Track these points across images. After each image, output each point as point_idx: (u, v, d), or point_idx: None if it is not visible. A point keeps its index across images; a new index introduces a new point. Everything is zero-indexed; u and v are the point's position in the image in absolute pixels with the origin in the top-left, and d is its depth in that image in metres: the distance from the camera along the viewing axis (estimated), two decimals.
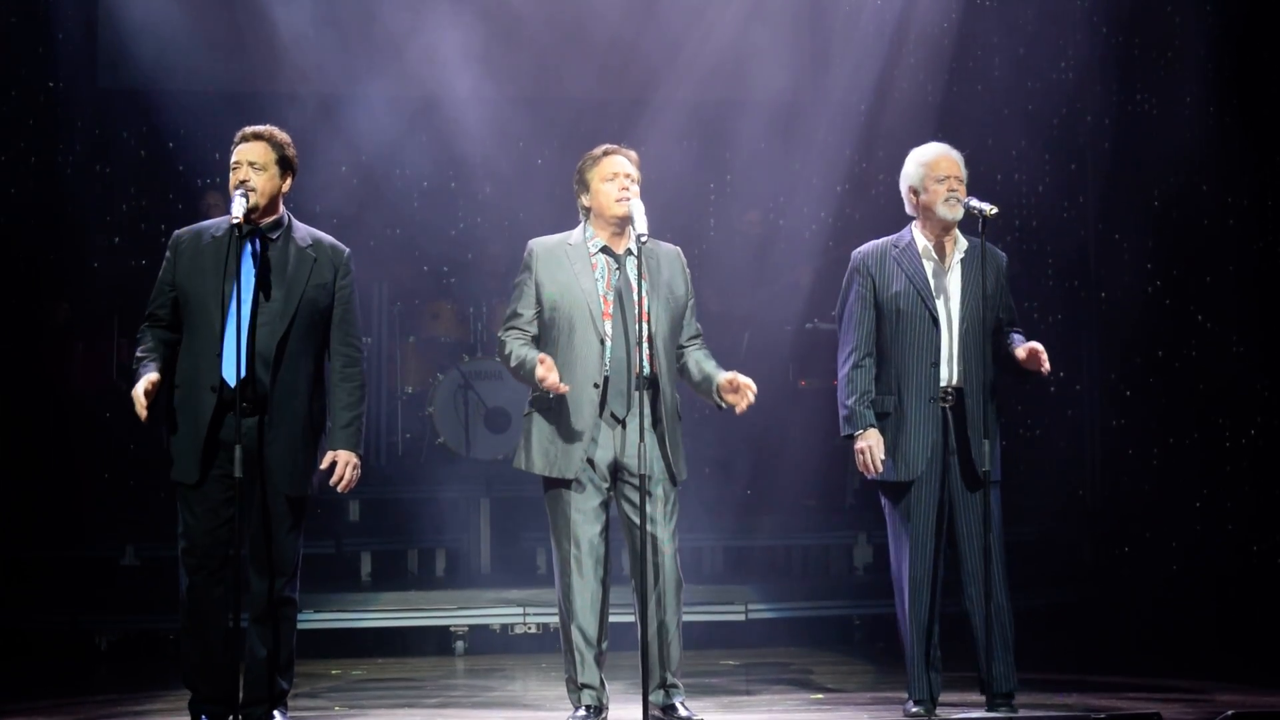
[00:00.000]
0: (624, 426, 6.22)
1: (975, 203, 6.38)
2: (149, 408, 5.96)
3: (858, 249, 6.64)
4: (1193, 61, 10.31)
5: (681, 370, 6.42)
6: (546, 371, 6.08)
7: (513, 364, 6.26)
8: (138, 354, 6.15)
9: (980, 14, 11.03)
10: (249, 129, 6.21)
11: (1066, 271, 11.11)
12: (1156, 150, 10.38)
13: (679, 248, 6.51)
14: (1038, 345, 6.46)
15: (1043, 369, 6.45)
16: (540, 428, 6.28)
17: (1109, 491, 10.88)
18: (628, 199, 6.24)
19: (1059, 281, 10.99)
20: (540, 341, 6.31)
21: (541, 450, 6.27)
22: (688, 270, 6.48)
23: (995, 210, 6.33)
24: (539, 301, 6.31)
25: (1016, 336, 6.60)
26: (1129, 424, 10.69)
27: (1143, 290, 10.53)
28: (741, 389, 6.20)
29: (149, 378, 5.98)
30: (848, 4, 11.06)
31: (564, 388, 6.10)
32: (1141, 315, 10.52)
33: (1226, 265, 10.30)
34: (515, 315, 6.34)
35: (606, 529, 6.30)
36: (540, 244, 6.41)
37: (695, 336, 6.46)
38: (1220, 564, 9.86)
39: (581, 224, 6.40)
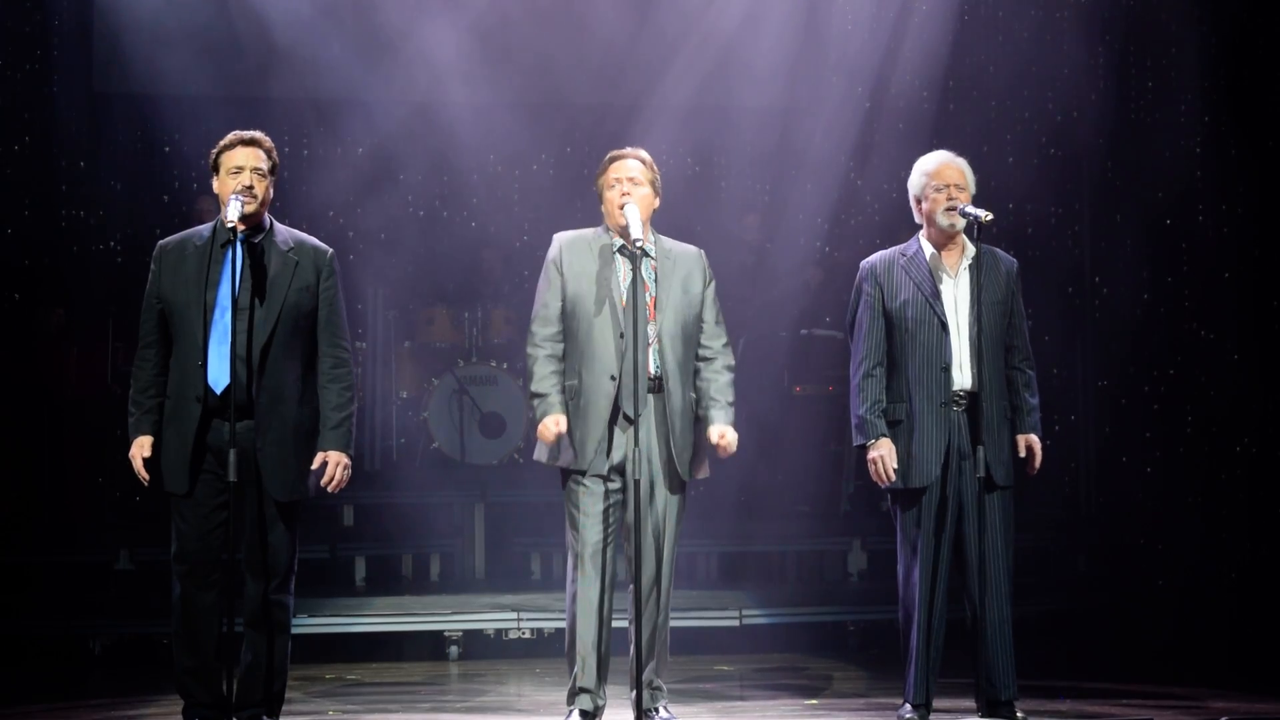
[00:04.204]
0: (635, 427, 6.22)
1: (970, 209, 6.39)
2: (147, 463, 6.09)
3: (865, 259, 6.64)
4: (1188, 70, 10.33)
5: (696, 376, 6.42)
6: (545, 431, 6.23)
7: (531, 387, 6.32)
8: (133, 396, 6.16)
9: (976, 23, 11.04)
10: (244, 134, 6.20)
11: (1062, 279, 11.12)
12: (1152, 159, 10.40)
13: (702, 250, 6.51)
14: (1036, 447, 6.53)
15: (1030, 470, 6.57)
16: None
17: (1104, 499, 10.89)
18: (625, 206, 6.27)
19: (1054, 289, 11.00)
20: (564, 333, 6.33)
21: (561, 442, 6.29)
22: (709, 270, 6.47)
23: (990, 216, 6.34)
24: (563, 293, 6.33)
25: (1029, 401, 6.57)
26: (1124, 432, 10.70)
27: (1138, 298, 10.54)
28: (721, 450, 6.33)
29: (142, 443, 6.08)
30: (844, 11, 11.07)
31: (551, 440, 6.24)
32: (1137, 323, 10.53)
33: (1222, 273, 10.31)
34: (545, 317, 6.34)
35: (615, 531, 6.31)
36: (564, 238, 6.44)
37: (720, 352, 6.41)
38: (1215, 571, 9.86)
39: (603, 223, 6.44)
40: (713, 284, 6.46)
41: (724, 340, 6.46)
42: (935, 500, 6.42)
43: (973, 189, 6.55)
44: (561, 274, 6.34)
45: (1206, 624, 9.21)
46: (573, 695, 6.30)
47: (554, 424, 6.22)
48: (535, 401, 6.32)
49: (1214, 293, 10.35)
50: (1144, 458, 10.53)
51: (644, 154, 6.42)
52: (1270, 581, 9.64)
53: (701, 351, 6.42)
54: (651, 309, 6.29)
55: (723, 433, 6.29)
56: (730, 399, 6.38)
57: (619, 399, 6.23)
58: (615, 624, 6.36)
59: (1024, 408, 6.57)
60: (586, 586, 6.26)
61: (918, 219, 6.61)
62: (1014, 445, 6.54)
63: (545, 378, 6.30)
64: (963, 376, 6.43)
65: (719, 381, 6.39)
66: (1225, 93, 10.21)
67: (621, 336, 6.23)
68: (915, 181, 6.59)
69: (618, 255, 6.34)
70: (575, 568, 6.29)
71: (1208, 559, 9.96)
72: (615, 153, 6.43)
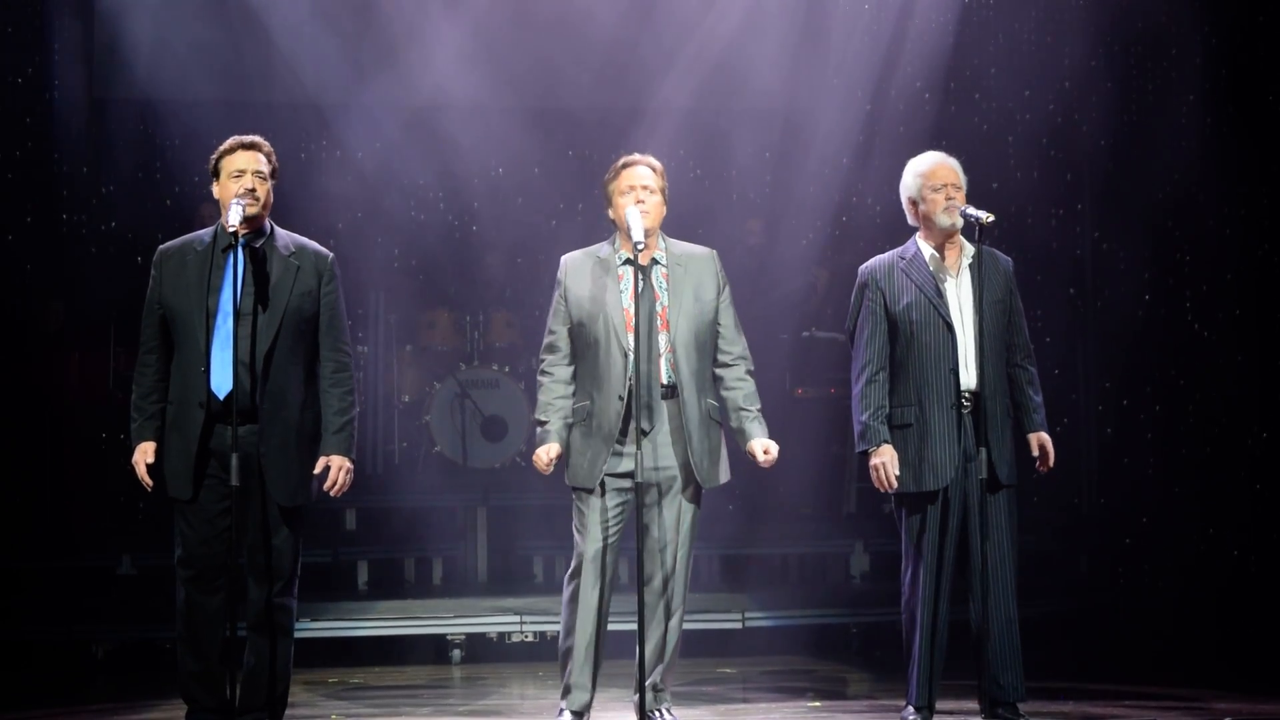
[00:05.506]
0: (646, 436, 6.21)
1: (971, 211, 6.37)
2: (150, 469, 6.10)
3: (864, 264, 6.62)
4: (1189, 71, 10.32)
5: (718, 385, 6.40)
6: (538, 459, 6.30)
7: (535, 414, 6.40)
8: (134, 402, 6.17)
9: (977, 24, 11.04)
10: (243, 138, 6.21)
11: (1063, 281, 11.10)
12: (1153, 160, 10.38)
13: (715, 250, 6.50)
14: (1048, 445, 6.53)
15: (1043, 467, 6.56)
16: (574, 439, 6.33)
17: (1105, 500, 10.88)
18: (629, 210, 6.24)
19: (1055, 291, 10.99)
20: (574, 357, 6.34)
21: (573, 460, 6.33)
22: (723, 273, 6.45)
23: (992, 218, 6.32)
24: (569, 317, 6.33)
25: (1034, 399, 6.58)
26: (1125, 433, 10.68)
27: (1140, 300, 10.53)
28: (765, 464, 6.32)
29: (144, 449, 6.09)
30: (845, 13, 11.07)
31: (543, 470, 6.29)
32: (1138, 324, 10.52)
33: (1224, 274, 10.30)
34: (552, 344, 6.38)
35: (619, 536, 6.31)
36: (570, 259, 6.44)
37: (739, 357, 6.40)
38: (1218, 573, 9.85)
39: (612, 235, 6.42)
40: (727, 288, 6.44)
41: (742, 344, 6.45)
42: (945, 504, 6.41)
43: (966, 188, 6.53)
44: (566, 299, 6.36)
45: (1209, 625, 9.20)
46: (565, 693, 6.32)
47: (545, 454, 6.28)
48: (537, 429, 6.38)
49: (1216, 294, 10.33)
50: (1145, 459, 10.52)
51: (655, 161, 6.40)
52: (1272, 582, 9.62)
53: (721, 357, 6.41)
54: (663, 319, 6.27)
55: (766, 448, 6.30)
56: (759, 406, 6.39)
57: (629, 414, 6.22)
58: (621, 627, 6.37)
59: (1029, 406, 6.57)
60: (584, 587, 6.27)
61: (912, 221, 6.59)
62: (1017, 444, 6.54)
63: (548, 405, 6.35)
64: (968, 376, 6.41)
65: (745, 389, 6.39)
66: (1226, 94, 10.20)
67: (626, 355, 6.22)
68: (909, 183, 6.56)
69: (625, 267, 6.32)
70: (576, 568, 6.30)
71: (1209, 560, 9.95)
72: (627, 159, 6.39)
